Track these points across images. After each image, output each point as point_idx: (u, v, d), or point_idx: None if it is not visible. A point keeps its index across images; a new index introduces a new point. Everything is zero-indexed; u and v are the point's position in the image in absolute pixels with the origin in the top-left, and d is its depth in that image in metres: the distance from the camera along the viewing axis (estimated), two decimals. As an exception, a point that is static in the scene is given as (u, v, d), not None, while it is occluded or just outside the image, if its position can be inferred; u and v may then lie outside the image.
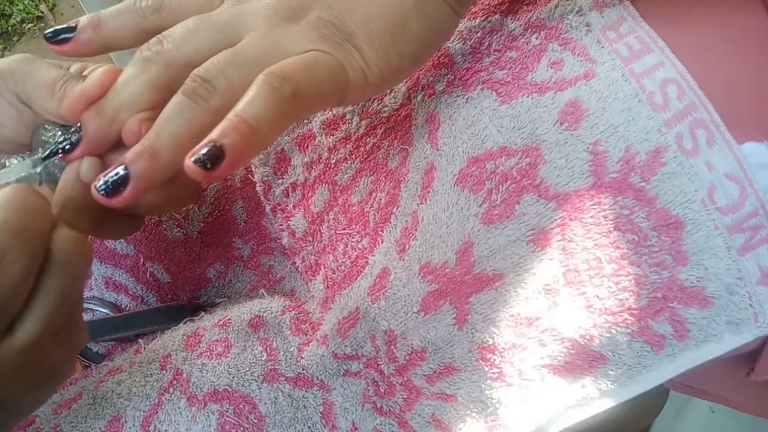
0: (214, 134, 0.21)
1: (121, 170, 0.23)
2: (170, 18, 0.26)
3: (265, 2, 0.25)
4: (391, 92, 0.33)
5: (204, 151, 0.21)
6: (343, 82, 0.24)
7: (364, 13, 0.25)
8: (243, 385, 0.33)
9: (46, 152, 0.26)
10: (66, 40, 0.27)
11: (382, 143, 0.33)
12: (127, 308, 0.41)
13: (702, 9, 0.26)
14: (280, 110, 0.22)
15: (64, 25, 0.27)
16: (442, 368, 0.29)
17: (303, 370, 0.34)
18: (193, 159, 0.21)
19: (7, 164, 0.28)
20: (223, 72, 0.23)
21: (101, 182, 0.23)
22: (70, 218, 0.25)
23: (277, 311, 0.37)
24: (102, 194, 0.23)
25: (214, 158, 0.21)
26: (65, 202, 0.25)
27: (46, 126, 0.27)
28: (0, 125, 0.28)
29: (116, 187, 0.23)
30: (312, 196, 0.35)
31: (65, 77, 0.27)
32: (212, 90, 0.23)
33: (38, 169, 0.26)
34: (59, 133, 0.27)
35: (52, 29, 0.27)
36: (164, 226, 0.40)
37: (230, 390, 0.33)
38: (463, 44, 0.30)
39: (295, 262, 0.38)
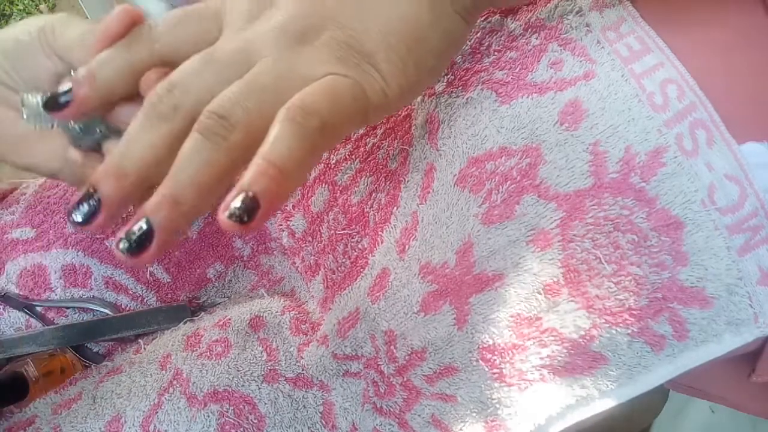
0: (244, 183, 0.19)
1: (143, 224, 0.21)
2: (166, 52, 0.25)
3: (271, 25, 0.24)
4: None
5: (238, 204, 0.19)
6: (364, 103, 0.23)
7: (379, 31, 0.23)
8: (243, 386, 0.33)
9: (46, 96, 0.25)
10: (66, 104, 0.25)
11: (382, 143, 0.33)
12: (127, 308, 0.41)
13: (701, 9, 0.26)
14: (309, 146, 0.21)
15: (58, 90, 0.25)
16: (442, 368, 0.29)
17: (303, 370, 0.34)
18: (227, 214, 0.19)
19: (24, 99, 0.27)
20: (239, 105, 0.22)
21: (123, 242, 0.21)
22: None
23: (277, 311, 0.37)
24: (127, 255, 0.21)
25: (250, 210, 0.19)
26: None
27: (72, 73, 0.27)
28: (36, 78, 0.28)
29: (141, 243, 0.21)
30: (312, 196, 0.35)
31: (94, 30, 0.26)
32: (229, 127, 0.21)
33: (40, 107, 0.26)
34: None
35: (47, 97, 0.25)
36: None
37: (230, 390, 0.33)
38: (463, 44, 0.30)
39: (294, 262, 0.38)
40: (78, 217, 0.22)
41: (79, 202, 0.22)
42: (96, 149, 0.28)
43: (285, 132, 0.20)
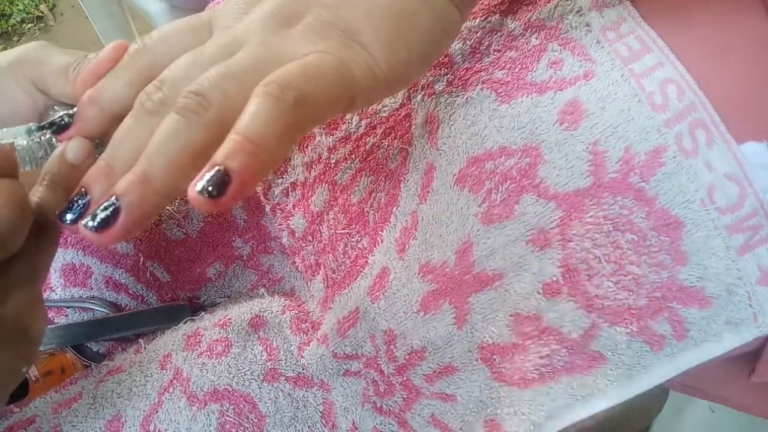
0: (217, 157, 0.19)
1: (113, 200, 0.20)
2: (162, 63, 0.24)
3: (257, 15, 0.24)
4: None
5: (207, 177, 0.18)
6: (349, 80, 0.22)
7: (365, 10, 0.23)
8: (243, 385, 0.33)
9: (40, 124, 0.25)
10: (68, 125, 0.25)
11: (382, 143, 0.33)
12: (128, 308, 0.41)
13: (702, 9, 0.26)
14: (286, 121, 0.20)
15: (63, 113, 0.25)
16: (441, 368, 0.29)
17: (303, 369, 0.34)
18: (197, 188, 0.18)
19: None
20: (216, 84, 0.21)
21: (88, 218, 0.20)
22: (44, 192, 0.24)
23: (278, 311, 0.37)
24: (91, 230, 0.20)
25: (220, 184, 0.18)
26: (43, 174, 0.24)
27: (56, 107, 0.27)
28: (14, 114, 0.28)
29: (106, 220, 0.20)
30: (312, 195, 0.35)
31: (78, 61, 0.26)
32: (206, 104, 0.21)
33: (33, 140, 0.26)
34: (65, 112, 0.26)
35: (50, 122, 0.25)
36: (164, 225, 0.40)
37: (230, 389, 0.33)
38: (463, 44, 0.30)
39: (295, 262, 0.38)
40: (68, 217, 0.22)
41: (71, 203, 0.22)
42: None
43: (261, 106, 0.20)
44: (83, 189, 0.22)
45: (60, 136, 0.25)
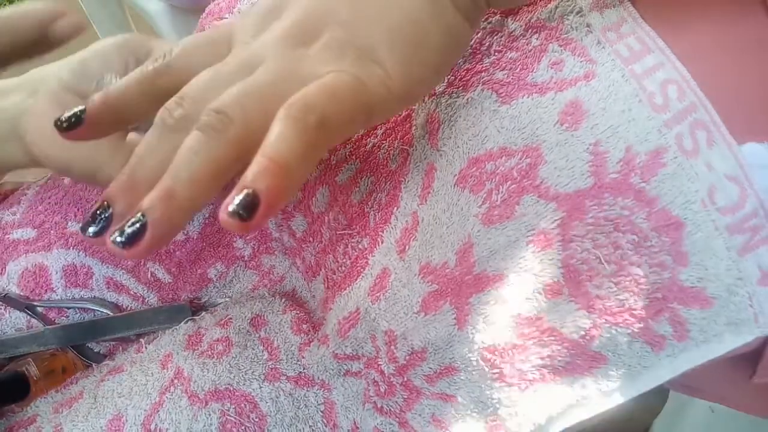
0: (246, 180, 0.19)
1: (139, 216, 0.21)
2: (181, 77, 0.25)
3: (275, 33, 0.24)
4: None
5: (237, 200, 0.19)
6: (366, 98, 0.23)
7: (381, 26, 0.24)
8: (244, 384, 0.34)
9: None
10: (79, 122, 0.25)
11: (383, 144, 0.33)
12: (128, 308, 0.41)
13: (702, 10, 0.26)
14: (309, 142, 0.21)
15: (72, 110, 0.25)
16: (442, 368, 0.29)
17: (304, 369, 0.34)
18: (228, 212, 0.19)
19: None
20: (237, 102, 0.22)
21: (116, 234, 0.21)
22: None
23: (279, 311, 0.38)
24: (119, 246, 0.21)
25: (250, 206, 0.19)
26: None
27: None
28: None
29: (134, 236, 0.21)
30: (312, 196, 0.35)
31: (164, 52, 0.27)
32: (227, 121, 0.21)
33: None
34: None
35: (59, 118, 0.25)
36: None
37: (231, 389, 0.33)
38: (464, 45, 0.30)
39: (295, 263, 0.38)
40: (91, 230, 0.22)
41: (93, 216, 0.22)
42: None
43: (285, 129, 0.20)
44: (106, 203, 0.22)
45: (68, 134, 0.25)
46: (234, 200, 0.19)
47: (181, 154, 0.21)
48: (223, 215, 0.19)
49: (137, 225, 0.21)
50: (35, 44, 0.24)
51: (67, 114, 0.25)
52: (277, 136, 0.20)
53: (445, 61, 0.26)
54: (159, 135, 0.23)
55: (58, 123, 0.25)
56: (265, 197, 0.19)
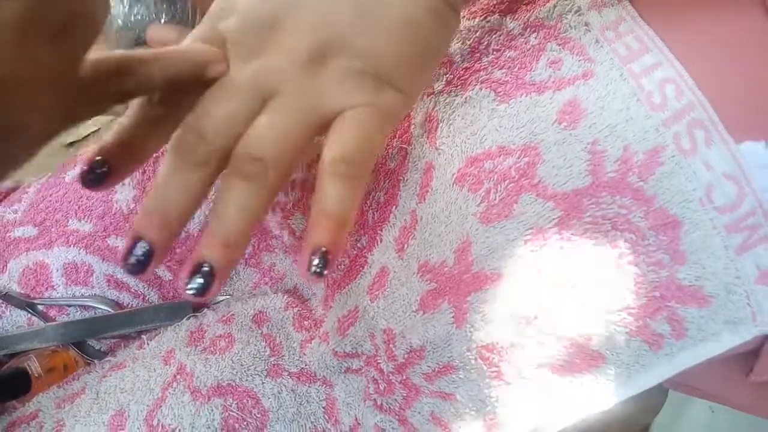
0: (317, 241, 0.22)
1: (206, 268, 0.22)
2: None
3: (286, 57, 0.24)
4: None
5: (317, 262, 0.22)
6: (391, 125, 0.25)
7: (393, 53, 0.24)
8: (246, 380, 0.34)
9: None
10: (105, 176, 0.24)
11: (382, 142, 0.33)
12: (129, 306, 0.41)
13: (700, 9, 0.26)
14: (359, 192, 0.23)
15: (91, 165, 0.23)
16: (440, 367, 0.30)
17: (306, 365, 0.35)
18: (312, 272, 0.22)
19: None
20: (273, 147, 0.23)
21: (192, 288, 0.22)
22: None
23: (281, 307, 0.38)
24: (194, 295, 0.23)
25: (325, 263, 0.22)
26: None
27: None
28: None
29: (205, 285, 0.22)
30: (312, 194, 0.35)
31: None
32: (267, 167, 0.23)
33: None
34: None
35: (81, 174, 0.24)
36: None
37: (234, 384, 0.33)
38: (462, 44, 0.30)
39: (296, 260, 0.38)
40: (134, 268, 0.23)
41: (128, 251, 0.23)
42: (139, 43, 0.29)
43: (336, 188, 0.23)
44: (141, 239, 0.23)
45: (94, 188, 0.24)
46: (314, 261, 0.22)
47: (230, 203, 0.23)
48: (306, 275, 0.22)
49: (206, 275, 0.22)
50: (186, 84, 0.24)
51: (87, 172, 0.23)
52: (330, 196, 0.23)
53: (442, 56, 0.27)
54: (181, 170, 0.23)
55: (87, 182, 0.24)
56: (335, 252, 0.22)
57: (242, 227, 0.23)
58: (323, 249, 0.22)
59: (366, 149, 0.24)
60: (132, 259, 0.23)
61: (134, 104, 0.25)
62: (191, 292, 0.22)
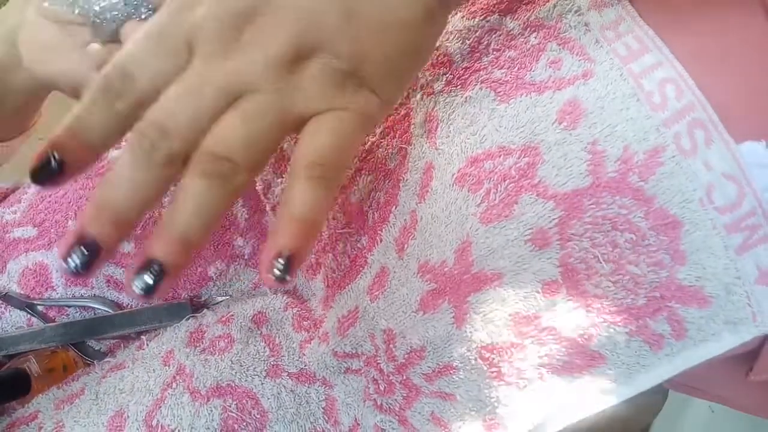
0: (282, 245, 0.21)
1: (156, 267, 0.21)
2: (143, 97, 0.22)
3: (261, 55, 0.22)
4: None
5: (280, 266, 0.21)
6: (369, 128, 0.25)
7: (379, 56, 0.23)
8: (246, 381, 0.34)
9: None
10: (58, 174, 0.22)
11: (381, 142, 0.33)
12: (129, 307, 0.41)
13: (700, 9, 0.26)
14: (332, 194, 0.23)
15: (42, 163, 0.21)
16: (440, 367, 0.29)
17: (305, 366, 0.34)
18: (274, 275, 0.21)
19: None
20: (244, 148, 0.22)
21: (137, 284, 0.21)
22: None
23: (280, 308, 0.38)
24: (142, 294, 0.21)
25: (289, 267, 0.21)
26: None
27: None
28: None
29: (155, 286, 0.21)
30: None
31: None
32: (235, 168, 0.21)
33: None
34: None
35: (32, 173, 0.22)
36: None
37: (233, 385, 0.33)
38: (462, 43, 0.30)
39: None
40: (76, 263, 0.21)
41: (70, 250, 0.21)
42: (115, 39, 0.29)
43: (308, 190, 0.22)
44: (85, 234, 0.21)
45: (43, 184, 0.22)
46: (276, 264, 0.21)
47: (193, 201, 0.21)
48: (268, 280, 0.21)
49: (157, 274, 0.21)
50: None
51: (39, 163, 0.22)
52: (302, 199, 0.22)
53: (428, 59, 0.26)
54: (143, 168, 0.21)
55: (37, 179, 0.22)
56: (300, 255, 0.21)
57: (200, 227, 0.21)
58: (288, 253, 0.21)
59: (342, 154, 0.23)
60: (75, 257, 0.21)
61: (91, 89, 0.22)
62: (137, 290, 0.21)
